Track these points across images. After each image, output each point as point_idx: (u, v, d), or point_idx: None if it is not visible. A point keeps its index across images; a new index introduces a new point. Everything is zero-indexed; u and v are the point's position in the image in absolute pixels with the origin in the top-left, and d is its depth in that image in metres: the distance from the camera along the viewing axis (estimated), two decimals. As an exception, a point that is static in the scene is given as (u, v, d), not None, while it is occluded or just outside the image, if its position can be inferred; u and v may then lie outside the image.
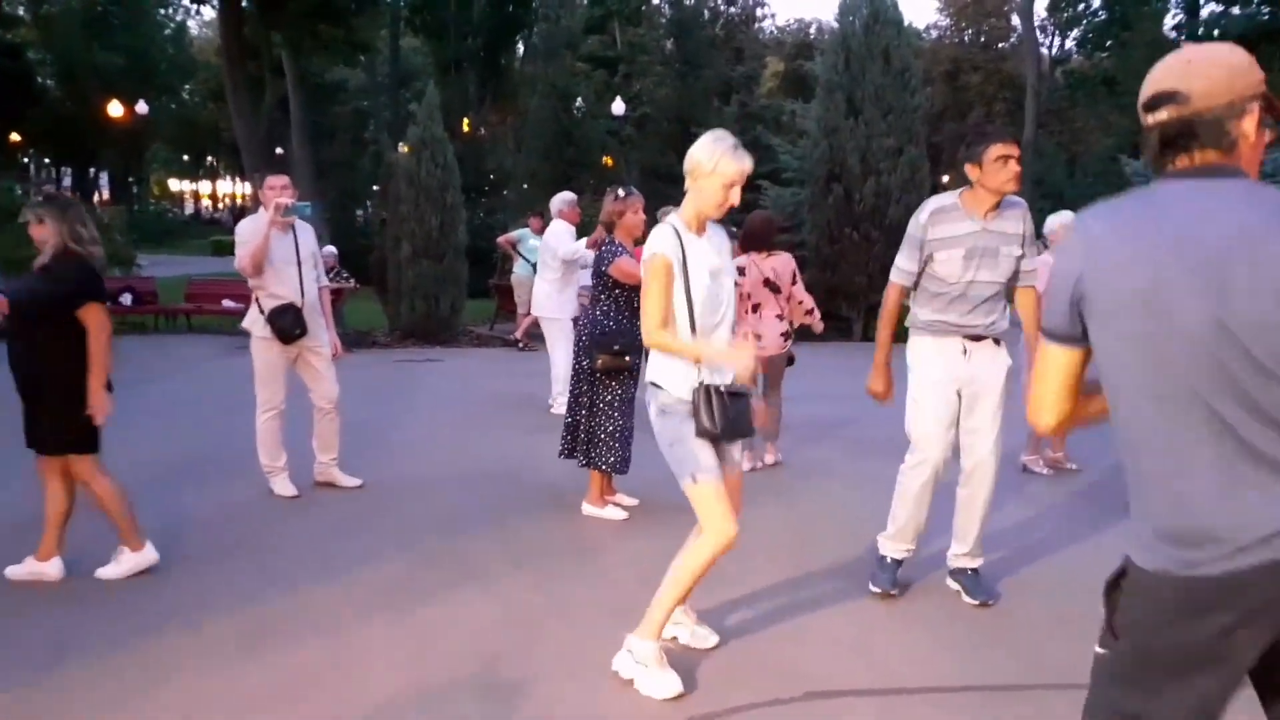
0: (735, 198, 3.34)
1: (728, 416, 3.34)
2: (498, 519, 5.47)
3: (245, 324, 5.88)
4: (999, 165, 3.95)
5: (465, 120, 26.74)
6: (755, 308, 6.64)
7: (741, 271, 6.57)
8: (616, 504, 5.65)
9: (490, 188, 25.74)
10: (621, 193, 5.58)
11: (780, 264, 6.64)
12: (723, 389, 3.36)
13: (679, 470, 3.39)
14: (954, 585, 4.35)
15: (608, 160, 24.74)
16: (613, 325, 5.39)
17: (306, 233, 5.93)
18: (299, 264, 5.78)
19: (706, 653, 3.70)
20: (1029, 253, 4.15)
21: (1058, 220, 6.88)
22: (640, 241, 5.73)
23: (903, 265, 4.19)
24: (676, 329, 3.38)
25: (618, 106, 23.29)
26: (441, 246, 14.42)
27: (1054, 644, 3.83)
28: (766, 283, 6.58)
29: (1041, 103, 32.11)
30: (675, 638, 3.74)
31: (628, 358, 5.35)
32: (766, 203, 18.76)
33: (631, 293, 5.33)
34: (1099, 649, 1.84)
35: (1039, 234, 4.96)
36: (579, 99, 25.98)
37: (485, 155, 25.83)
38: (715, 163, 3.31)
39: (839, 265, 15.35)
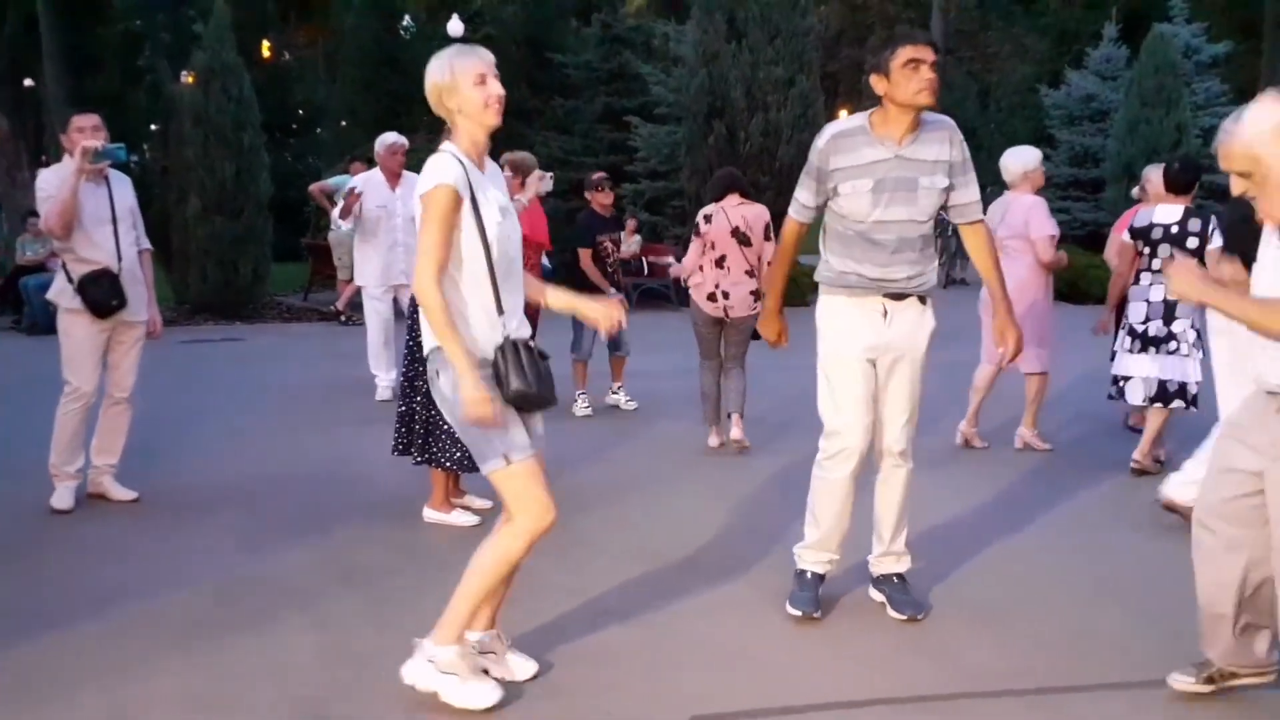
0: (497, 87, 3.39)
1: (540, 375, 3.40)
2: (317, 532, 5.37)
3: (51, 295, 5.76)
4: (908, 72, 3.88)
5: (265, 42, 25.90)
6: (720, 261, 6.85)
7: (707, 219, 6.88)
8: (465, 507, 5.63)
9: (299, 126, 25.02)
10: None
11: (754, 214, 6.90)
12: (530, 345, 3.44)
13: (484, 451, 3.37)
14: (878, 596, 4.37)
15: (444, 92, 24.30)
16: (453, 293, 5.33)
17: (122, 184, 5.84)
18: (114, 222, 5.68)
19: (586, 671, 3.72)
20: (962, 182, 4.09)
21: (1019, 161, 7.03)
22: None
23: (799, 198, 4.18)
24: (464, 280, 3.37)
25: (454, 26, 22.87)
26: (239, 200, 14.01)
27: (976, 649, 3.99)
28: (735, 233, 6.81)
29: (950, 23, 33.08)
30: (486, 670, 3.65)
31: None
32: (637, 142, 18.84)
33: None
34: None
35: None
36: (406, 16, 25.47)
37: (292, 86, 25.05)
38: (452, 72, 3.36)
39: (723, 216, 15.54)
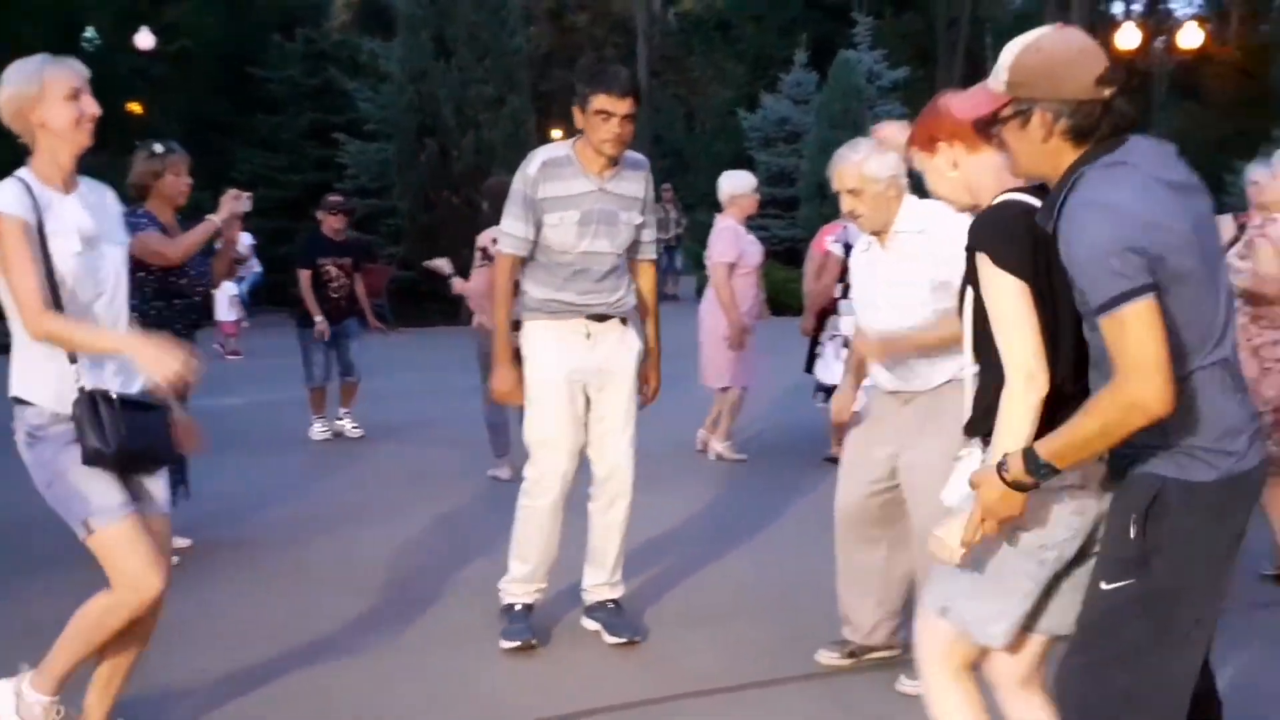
0: (91, 105, 3.04)
1: (122, 433, 2.96)
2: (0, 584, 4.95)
3: None
4: (598, 121, 3.92)
5: (-74, 51, 23.70)
6: None
7: None
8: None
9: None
10: (158, 148, 5.23)
11: None
12: (114, 396, 3.01)
13: (66, 516, 3.03)
14: (592, 625, 4.31)
15: (135, 108, 23.04)
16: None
17: None
18: None
19: (296, 707, 3.59)
20: (648, 221, 4.21)
21: (726, 185, 7.25)
22: (184, 212, 5.40)
23: (512, 230, 4.07)
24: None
25: (144, 39, 21.65)
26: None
27: (693, 654, 4.11)
28: None
29: (655, 48, 34.13)
30: None
31: None
32: (345, 159, 18.42)
33: (165, 277, 5.04)
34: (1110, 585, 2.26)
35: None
36: (89, 28, 23.89)
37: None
38: (41, 82, 2.99)
39: (438, 236, 15.40)
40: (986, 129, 2.37)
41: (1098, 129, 2.24)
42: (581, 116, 3.96)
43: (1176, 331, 2.16)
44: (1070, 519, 2.38)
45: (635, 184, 4.12)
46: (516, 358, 4.22)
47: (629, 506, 4.26)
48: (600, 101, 3.89)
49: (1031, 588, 2.43)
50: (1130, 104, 2.27)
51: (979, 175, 2.61)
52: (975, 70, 34.57)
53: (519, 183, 4.05)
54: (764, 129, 20.76)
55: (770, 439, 8.00)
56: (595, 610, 4.32)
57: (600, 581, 4.32)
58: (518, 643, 4.12)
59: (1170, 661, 2.29)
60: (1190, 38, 25.98)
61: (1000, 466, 2.26)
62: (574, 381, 4.13)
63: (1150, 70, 27.74)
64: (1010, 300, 2.33)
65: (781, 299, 15.63)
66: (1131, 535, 2.25)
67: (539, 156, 4.08)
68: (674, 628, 4.37)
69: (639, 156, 4.19)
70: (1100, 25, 32.46)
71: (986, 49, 36.52)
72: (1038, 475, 2.22)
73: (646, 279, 4.36)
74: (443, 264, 7.35)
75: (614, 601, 4.33)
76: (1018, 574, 2.42)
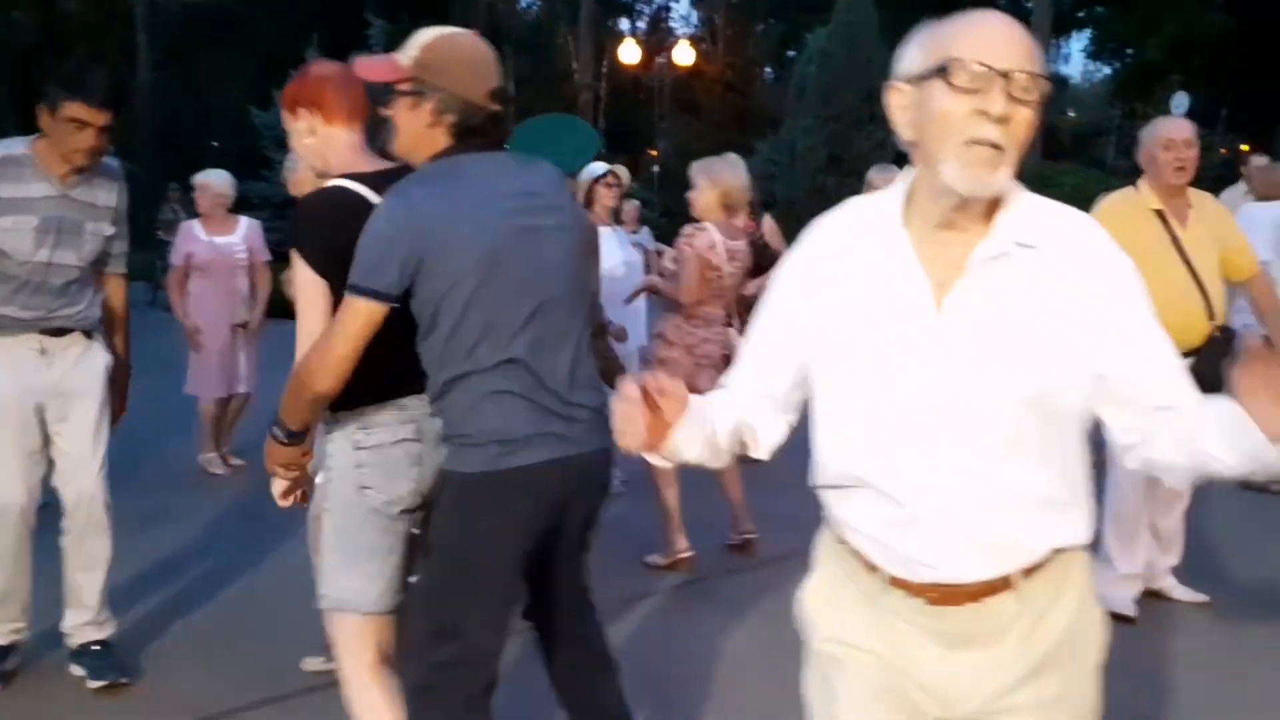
0: None
1: None
2: None
3: None
4: (70, 128, 3.56)
5: None
6: None
7: None
8: None
9: None
10: None
11: None
12: None
13: None
14: (79, 670, 3.91)
15: None
16: None
17: None
18: None
19: None
20: (122, 232, 3.94)
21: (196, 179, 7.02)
22: None
23: None
24: None
25: None
26: None
27: (189, 680, 3.94)
28: None
29: (158, 40, 32.13)
30: None
31: None
32: None
33: None
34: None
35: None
36: None
37: None
38: None
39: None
40: (382, 95, 2.50)
41: (478, 134, 2.42)
42: (49, 119, 3.60)
43: (448, 331, 2.38)
44: (409, 470, 2.57)
45: (106, 192, 3.83)
46: None
47: (109, 537, 3.92)
48: (76, 110, 3.55)
49: (391, 542, 2.58)
50: (502, 128, 2.48)
51: (328, 147, 2.73)
52: (493, 77, 35.59)
53: None
54: (278, 127, 20.04)
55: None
56: (80, 655, 3.95)
57: (84, 621, 3.95)
58: None
59: (466, 646, 2.46)
60: (684, 55, 28.37)
61: (272, 428, 2.55)
62: (25, 403, 3.77)
63: (654, 85, 29.86)
64: (306, 292, 2.52)
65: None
66: (415, 529, 2.48)
67: None
68: (169, 658, 4.13)
69: (113, 164, 3.90)
70: (607, 39, 34.62)
71: (505, 57, 37.71)
72: (282, 434, 2.53)
73: (117, 293, 4.06)
74: None
75: (100, 642, 3.97)
76: (374, 531, 2.56)
